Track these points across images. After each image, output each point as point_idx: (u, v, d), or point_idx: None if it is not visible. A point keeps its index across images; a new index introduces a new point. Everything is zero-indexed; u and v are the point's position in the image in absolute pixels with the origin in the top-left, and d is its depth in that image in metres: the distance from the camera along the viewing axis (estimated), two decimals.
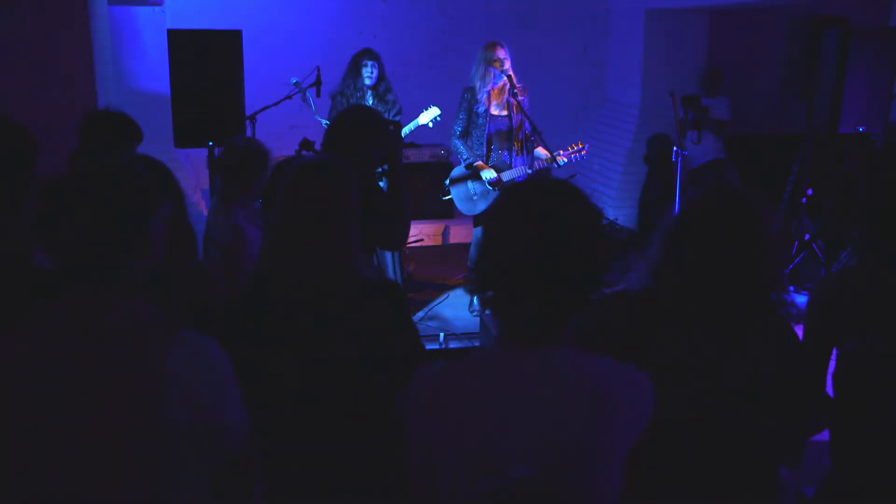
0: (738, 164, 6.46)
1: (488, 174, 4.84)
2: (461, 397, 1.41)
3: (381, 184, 4.11)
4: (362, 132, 2.79)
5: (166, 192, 1.75)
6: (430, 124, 5.34)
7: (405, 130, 5.05)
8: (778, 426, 1.66)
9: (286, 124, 6.51)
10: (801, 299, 2.15)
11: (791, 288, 5.35)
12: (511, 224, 1.39)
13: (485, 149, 4.89)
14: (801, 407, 1.71)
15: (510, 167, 4.88)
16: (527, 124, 4.82)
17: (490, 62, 4.74)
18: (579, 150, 4.96)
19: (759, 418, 1.63)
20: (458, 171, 5.02)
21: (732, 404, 1.61)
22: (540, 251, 1.34)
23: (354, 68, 5.30)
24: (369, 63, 5.25)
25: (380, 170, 3.82)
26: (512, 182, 4.85)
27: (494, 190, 4.87)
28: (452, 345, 4.67)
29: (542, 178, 1.58)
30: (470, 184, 4.96)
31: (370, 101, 5.31)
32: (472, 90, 4.85)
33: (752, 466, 1.67)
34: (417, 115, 5.32)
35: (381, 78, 5.31)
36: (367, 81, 5.26)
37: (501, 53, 4.74)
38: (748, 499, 1.68)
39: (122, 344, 1.40)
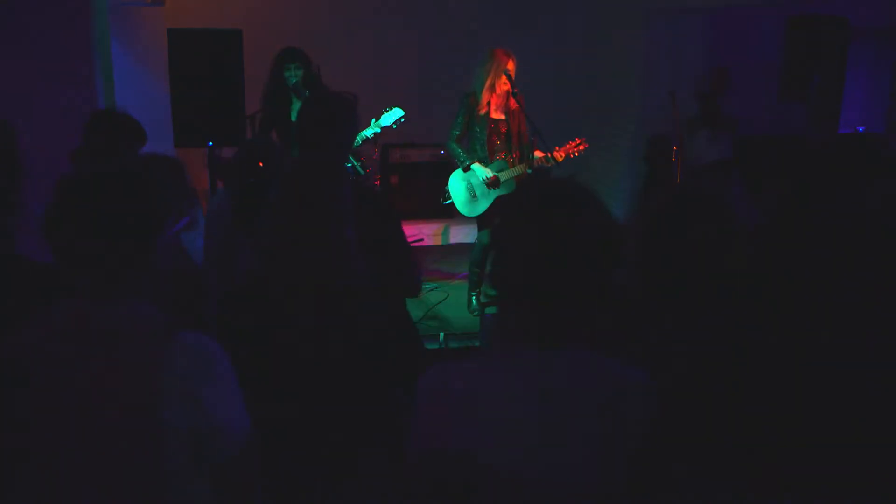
0: (738, 165, 6.46)
1: (484, 172, 4.86)
2: (473, 397, 1.41)
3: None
4: (338, 122, 2.61)
5: (179, 194, 1.76)
6: (394, 126, 4.98)
7: (367, 133, 4.85)
8: (755, 430, 1.65)
9: None
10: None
11: None
12: (526, 226, 1.39)
13: (486, 152, 4.90)
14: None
15: (510, 168, 4.90)
16: (527, 126, 4.82)
17: (499, 71, 4.72)
18: (578, 146, 4.96)
19: (728, 421, 1.61)
20: (457, 173, 5.03)
21: (699, 406, 1.60)
22: (556, 253, 1.34)
23: (276, 69, 5.01)
24: (291, 65, 4.97)
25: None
26: (516, 179, 4.87)
27: (492, 189, 4.88)
28: (452, 345, 4.67)
29: (554, 179, 1.57)
30: (469, 185, 4.97)
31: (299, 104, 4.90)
32: (473, 94, 4.84)
33: (728, 465, 1.66)
34: (380, 117, 4.96)
35: (307, 77, 5.00)
36: (290, 82, 4.96)
37: (503, 56, 4.73)
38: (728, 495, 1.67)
39: (124, 344, 1.40)
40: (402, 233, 2.66)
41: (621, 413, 1.38)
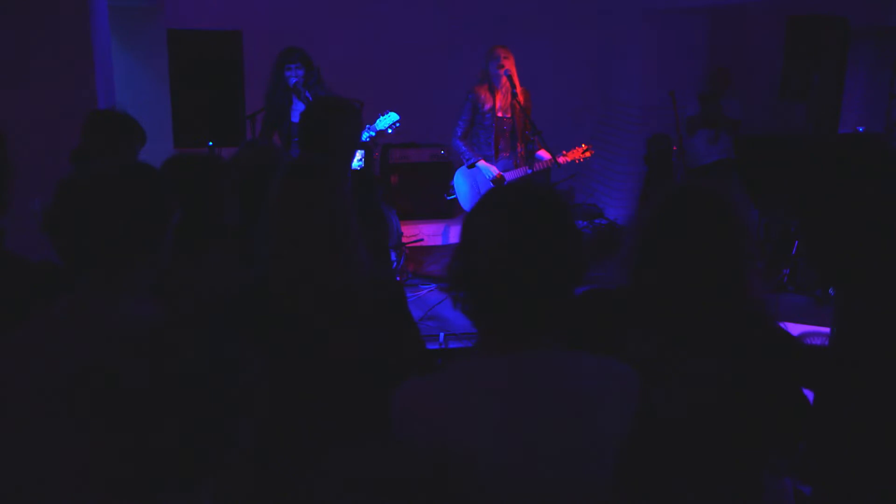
0: (739, 165, 6.47)
1: (490, 171, 4.87)
2: (446, 409, 1.39)
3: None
4: (340, 127, 2.66)
5: (192, 195, 1.76)
6: (390, 130, 5.01)
7: (363, 136, 4.82)
8: (755, 432, 1.65)
9: None
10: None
11: (790, 289, 5.36)
12: (485, 226, 1.40)
13: (493, 149, 4.92)
14: (782, 423, 1.69)
15: (515, 167, 4.91)
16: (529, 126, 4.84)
17: (496, 64, 4.77)
18: (584, 153, 4.97)
19: (728, 424, 1.61)
20: (462, 170, 5.04)
21: (700, 408, 1.61)
22: (514, 252, 1.34)
23: (277, 69, 4.95)
24: (292, 65, 4.90)
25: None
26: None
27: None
28: (452, 345, 4.67)
29: (516, 182, 1.59)
30: (474, 182, 4.98)
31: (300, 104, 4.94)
32: (476, 92, 4.88)
33: (727, 467, 1.66)
34: (376, 121, 5.00)
35: (308, 77, 4.94)
36: (290, 82, 4.90)
37: (503, 54, 4.77)
38: (726, 499, 1.67)
39: (123, 343, 1.40)
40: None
41: (609, 408, 1.38)
